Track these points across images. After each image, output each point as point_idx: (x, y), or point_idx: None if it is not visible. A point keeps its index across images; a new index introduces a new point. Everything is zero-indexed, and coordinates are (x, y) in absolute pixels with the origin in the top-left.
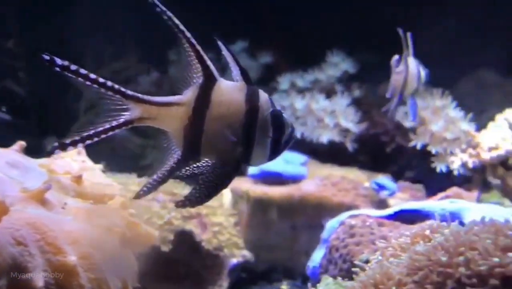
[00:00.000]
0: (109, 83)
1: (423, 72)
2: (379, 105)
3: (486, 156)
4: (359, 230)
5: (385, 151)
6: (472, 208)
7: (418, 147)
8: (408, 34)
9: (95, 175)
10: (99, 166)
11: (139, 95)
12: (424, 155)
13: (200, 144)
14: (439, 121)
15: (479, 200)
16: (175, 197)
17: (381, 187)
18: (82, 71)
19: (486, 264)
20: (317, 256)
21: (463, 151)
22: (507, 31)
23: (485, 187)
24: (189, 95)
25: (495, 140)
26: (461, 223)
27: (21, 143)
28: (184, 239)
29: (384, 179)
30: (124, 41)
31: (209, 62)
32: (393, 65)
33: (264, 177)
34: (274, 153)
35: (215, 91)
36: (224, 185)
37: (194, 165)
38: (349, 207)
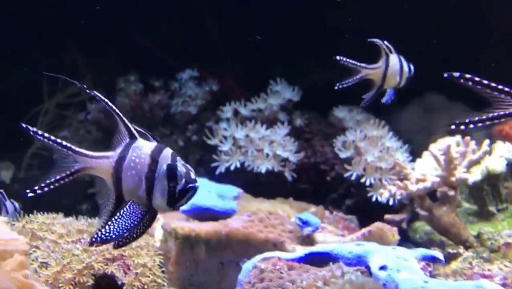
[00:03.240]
0: (64, 142)
1: (406, 69)
2: (322, 133)
3: (412, 188)
4: (268, 274)
5: (326, 180)
6: (376, 251)
7: (353, 178)
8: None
9: None
10: (3, 219)
11: (82, 151)
12: (362, 183)
13: (122, 189)
14: (374, 152)
15: (408, 229)
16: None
17: (304, 223)
18: (46, 134)
19: None
20: None
21: (392, 183)
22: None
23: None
24: (116, 150)
25: (423, 172)
26: (367, 267)
27: None
28: (106, 283)
29: (307, 214)
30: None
31: (130, 126)
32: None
33: (195, 213)
34: (171, 201)
35: (132, 148)
36: (135, 224)
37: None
38: (274, 243)
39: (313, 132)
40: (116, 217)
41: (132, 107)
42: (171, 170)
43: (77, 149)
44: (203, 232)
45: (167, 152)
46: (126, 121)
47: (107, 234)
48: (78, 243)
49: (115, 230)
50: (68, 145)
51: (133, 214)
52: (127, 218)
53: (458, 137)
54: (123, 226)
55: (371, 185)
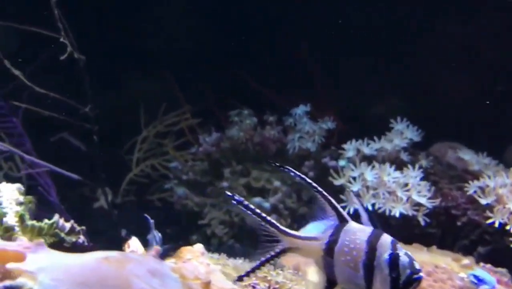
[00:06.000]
0: (268, 218)
1: None
2: (447, 175)
3: None
4: None
5: (455, 225)
6: None
7: (496, 225)
8: None
9: (218, 278)
10: (218, 267)
11: (288, 230)
12: (498, 231)
13: (334, 274)
14: None
15: None
16: (270, 284)
17: (480, 281)
18: (251, 206)
19: None
20: None
21: None
22: None
23: None
24: (326, 233)
25: None
26: None
27: (157, 249)
28: None
29: (481, 271)
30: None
31: (341, 209)
32: None
33: None
34: None
35: (344, 232)
36: None
37: None
38: None
39: (438, 174)
40: None
41: (247, 140)
42: (394, 260)
43: (283, 228)
44: None
45: (386, 238)
46: (338, 206)
47: None
48: (249, 287)
49: None
50: (273, 221)
51: None
52: None
53: None
54: None
55: None
